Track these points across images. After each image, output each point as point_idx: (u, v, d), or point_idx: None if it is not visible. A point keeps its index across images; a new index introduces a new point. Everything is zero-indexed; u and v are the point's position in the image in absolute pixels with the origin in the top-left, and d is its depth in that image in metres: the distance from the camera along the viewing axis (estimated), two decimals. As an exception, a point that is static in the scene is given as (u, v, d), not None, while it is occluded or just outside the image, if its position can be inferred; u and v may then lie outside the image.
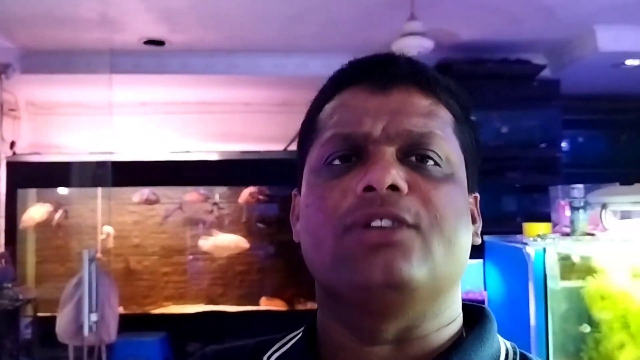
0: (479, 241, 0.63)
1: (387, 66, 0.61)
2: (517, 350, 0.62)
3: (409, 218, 0.53)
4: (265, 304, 5.29)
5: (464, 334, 0.60)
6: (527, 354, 0.62)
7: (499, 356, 0.59)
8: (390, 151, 0.56)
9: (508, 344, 0.62)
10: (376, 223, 0.53)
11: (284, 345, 0.66)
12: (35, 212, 5.00)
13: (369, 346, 0.57)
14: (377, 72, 0.60)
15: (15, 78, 4.10)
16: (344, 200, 0.55)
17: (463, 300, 0.63)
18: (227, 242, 5.17)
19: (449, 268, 0.55)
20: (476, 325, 0.60)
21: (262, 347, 0.66)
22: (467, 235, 0.58)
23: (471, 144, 0.62)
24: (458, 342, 0.58)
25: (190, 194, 5.33)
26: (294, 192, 0.67)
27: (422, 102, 0.59)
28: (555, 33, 3.80)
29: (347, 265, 0.53)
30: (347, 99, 0.60)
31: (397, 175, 0.54)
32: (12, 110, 4.63)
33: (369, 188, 0.53)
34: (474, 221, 0.63)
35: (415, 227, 0.53)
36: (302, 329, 0.67)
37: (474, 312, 0.63)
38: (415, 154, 0.57)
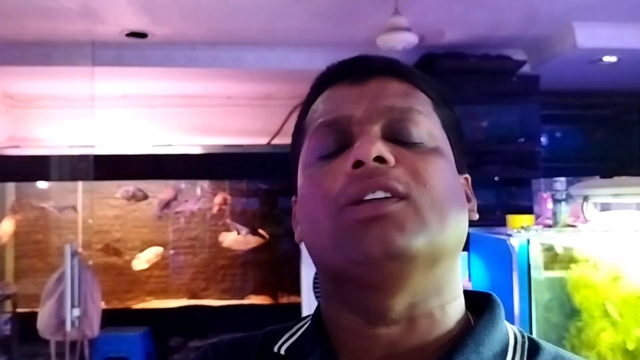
0: (476, 216, 0.65)
1: (362, 62, 0.64)
2: (525, 334, 0.63)
3: (400, 187, 0.55)
4: (250, 299, 5.30)
5: (472, 321, 0.62)
6: (534, 338, 0.63)
7: (508, 340, 0.61)
8: (374, 129, 0.58)
9: (515, 328, 0.64)
10: (369, 196, 0.54)
11: (293, 335, 0.66)
12: (6, 226, 4.92)
13: (377, 327, 0.58)
14: (354, 68, 0.64)
15: (-8, 70, 4.04)
16: (335, 181, 0.57)
17: (465, 289, 0.64)
18: (247, 235, 5.15)
19: (445, 237, 0.57)
20: (485, 310, 0.62)
21: (271, 338, 0.67)
22: (460, 208, 0.60)
23: (452, 124, 0.65)
24: (469, 327, 0.60)
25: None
26: (293, 199, 0.68)
27: (399, 86, 0.62)
28: (536, 29, 3.86)
29: (344, 243, 0.55)
30: (329, 94, 0.63)
31: (382, 147, 0.56)
32: (-10, 103, 4.56)
33: (358, 164, 0.55)
34: (468, 199, 0.65)
35: (406, 197, 0.55)
36: (309, 316, 0.68)
37: (481, 298, 0.64)
38: (398, 131, 0.59)
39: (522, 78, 4.22)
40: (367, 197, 0.54)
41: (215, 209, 5.28)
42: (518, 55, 4.22)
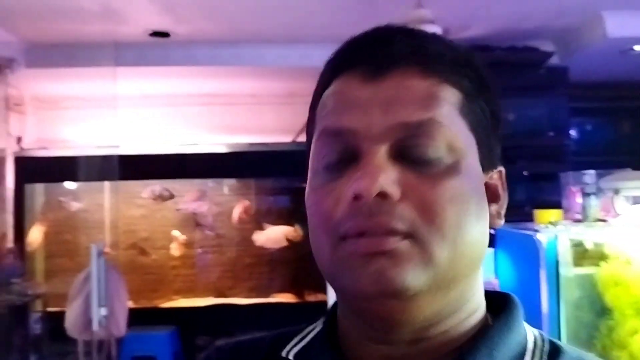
0: (500, 223, 0.59)
1: (381, 46, 0.55)
2: (545, 337, 0.59)
3: (404, 227, 0.50)
4: (276, 297, 5.29)
5: (490, 321, 0.58)
6: (556, 341, 0.59)
7: (526, 343, 0.57)
8: (382, 151, 0.52)
9: (536, 331, 0.60)
10: (369, 232, 0.51)
11: (303, 339, 0.63)
12: (35, 234, 5.00)
13: (384, 345, 0.56)
14: (371, 54, 0.55)
15: (20, 72, 4.09)
16: (337, 207, 0.53)
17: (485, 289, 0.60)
18: (279, 233, 5.13)
19: (456, 268, 0.52)
20: (502, 312, 0.58)
21: (280, 341, 0.64)
22: (478, 225, 0.54)
23: (485, 120, 0.57)
24: (484, 330, 0.56)
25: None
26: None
27: (421, 84, 0.53)
28: (563, 19, 3.76)
29: (342, 275, 0.52)
30: (339, 87, 0.56)
31: (386, 181, 0.50)
32: (18, 104, 4.63)
33: (359, 197, 0.51)
34: (496, 199, 0.59)
35: (411, 235, 0.50)
36: (322, 320, 0.65)
37: (499, 299, 0.60)
38: (411, 148, 0.52)
39: (550, 70, 4.12)
40: (368, 232, 0.51)
41: (235, 219, 5.27)
42: (545, 46, 4.12)
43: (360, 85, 0.54)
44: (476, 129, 0.56)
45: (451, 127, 0.53)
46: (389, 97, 0.53)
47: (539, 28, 3.92)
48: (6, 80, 4.11)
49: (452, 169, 0.53)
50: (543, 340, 0.58)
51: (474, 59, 0.59)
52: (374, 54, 0.55)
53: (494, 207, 0.58)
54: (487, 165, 0.57)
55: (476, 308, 0.57)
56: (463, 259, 0.52)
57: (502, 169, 0.60)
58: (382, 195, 0.50)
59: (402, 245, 0.50)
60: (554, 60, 4.16)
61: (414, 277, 0.50)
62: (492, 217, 0.58)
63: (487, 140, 0.57)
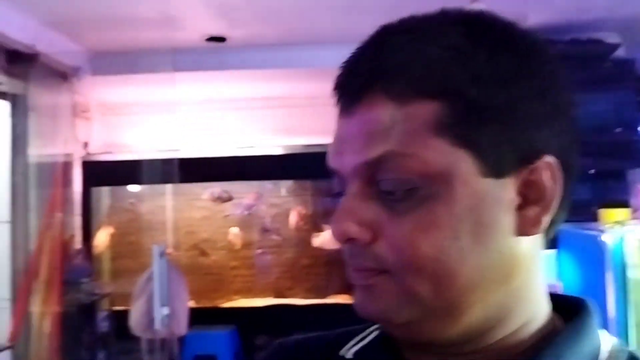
0: (537, 231, 0.51)
1: (351, 74, 0.53)
2: (624, 347, 0.55)
3: (377, 265, 0.51)
4: (334, 298, 5.29)
5: (560, 327, 0.55)
6: (637, 352, 0.56)
7: (599, 353, 0.53)
8: (355, 191, 0.52)
9: (615, 340, 0.56)
10: None
11: (363, 339, 0.63)
12: (102, 237, 5.18)
13: (433, 355, 0.55)
14: (343, 85, 0.54)
15: (85, 80, 4.25)
16: None
17: (555, 293, 0.58)
18: None
19: (452, 297, 0.49)
20: (573, 319, 0.54)
21: (342, 340, 0.64)
22: (479, 246, 0.49)
23: (481, 124, 0.49)
24: (550, 337, 0.53)
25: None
26: None
27: (382, 112, 0.49)
28: (630, 9, 3.60)
29: None
30: (336, 121, 0.56)
31: (352, 227, 0.51)
32: (84, 111, 4.80)
33: None
34: (538, 199, 0.50)
35: (387, 271, 0.51)
36: None
37: (574, 305, 0.56)
38: (381, 181, 0.50)
39: (616, 63, 3.94)
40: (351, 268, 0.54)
41: (292, 226, 5.31)
42: (611, 38, 3.95)
43: (340, 121, 0.54)
44: (470, 135, 0.49)
45: (419, 154, 0.48)
46: (355, 134, 0.51)
47: (604, 19, 3.76)
48: (73, 88, 4.27)
49: (430, 197, 0.49)
50: (621, 352, 0.54)
51: (481, 40, 0.51)
52: (344, 85, 0.54)
53: (533, 210, 0.51)
54: (509, 165, 0.50)
55: (530, 318, 0.54)
56: (456, 287, 0.49)
57: (549, 159, 0.50)
58: (352, 240, 0.52)
59: (378, 280, 0.52)
60: (621, 53, 3.98)
61: (394, 309, 0.51)
62: (524, 225, 0.50)
63: (493, 140, 0.49)
